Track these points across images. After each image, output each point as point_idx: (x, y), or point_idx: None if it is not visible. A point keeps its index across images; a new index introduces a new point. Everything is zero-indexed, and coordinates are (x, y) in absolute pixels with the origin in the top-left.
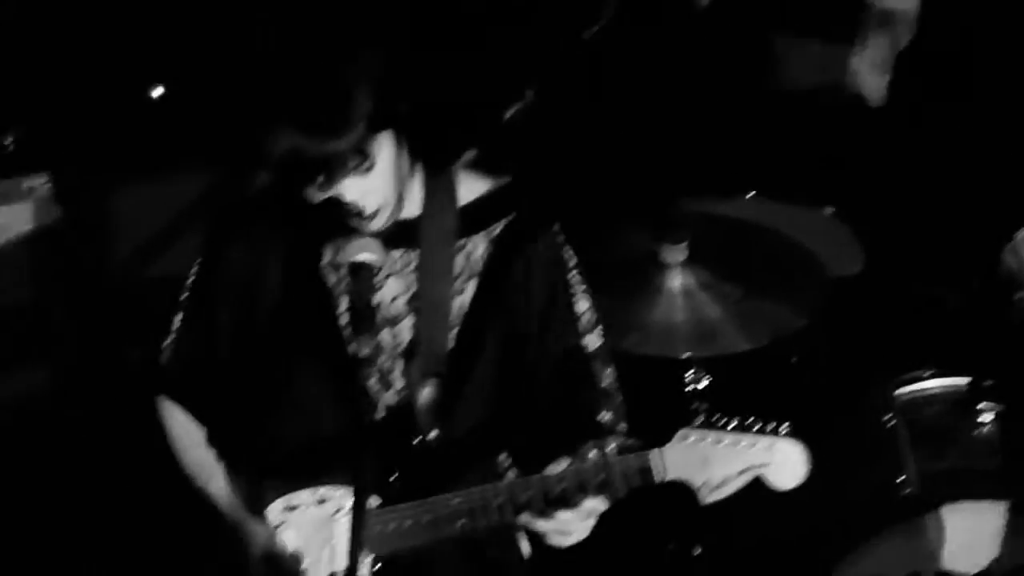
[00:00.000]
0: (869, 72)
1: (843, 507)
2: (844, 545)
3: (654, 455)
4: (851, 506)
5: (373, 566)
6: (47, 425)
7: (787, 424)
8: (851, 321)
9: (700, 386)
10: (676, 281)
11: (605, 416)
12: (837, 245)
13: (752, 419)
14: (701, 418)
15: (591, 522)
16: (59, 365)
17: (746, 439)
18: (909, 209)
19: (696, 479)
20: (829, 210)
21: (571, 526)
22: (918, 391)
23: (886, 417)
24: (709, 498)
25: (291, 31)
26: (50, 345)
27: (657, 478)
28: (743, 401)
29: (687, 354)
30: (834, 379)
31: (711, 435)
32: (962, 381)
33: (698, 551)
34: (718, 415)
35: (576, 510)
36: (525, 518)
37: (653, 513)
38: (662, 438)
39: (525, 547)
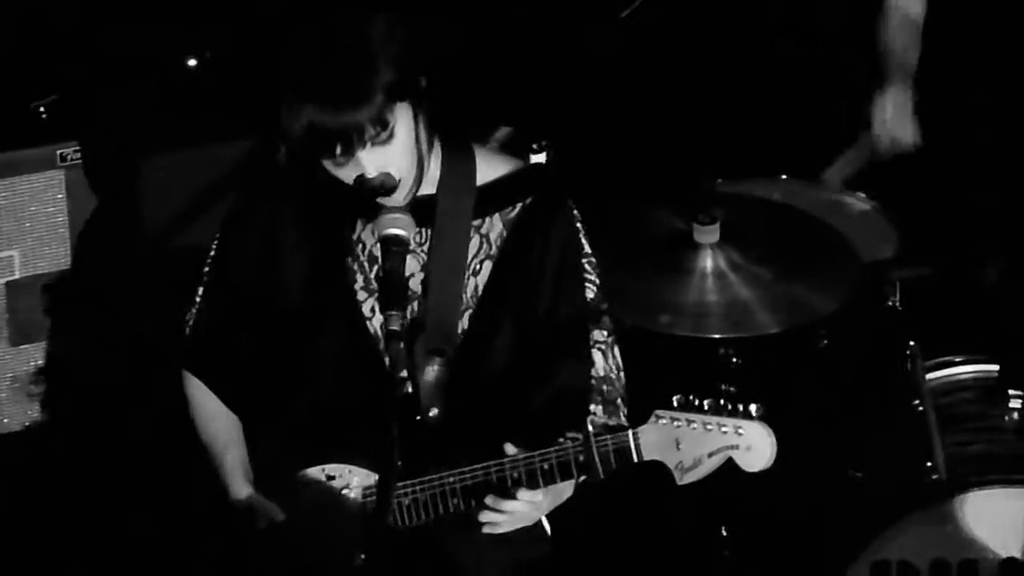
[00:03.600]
0: (897, 124)
1: (871, 491)
2: (871, 529)
3: (630, 436)
4: (878, 491)
5: (360, 558)
6: (72, 398)
7: (758, 406)
8: (881, 305)
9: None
10: (708, 262)
11: (595, 407)
12: (870, 229)
13: (724, 401)
14: (677, 399)
15: (544, 508)
16: (88, 335)
17: (716, 421)
18: (941, 193)
19: (670, 460)
20: (861, 194)
21: (533, 508)
22: (948, 376)
23: (915, 402)
24: (684, 479)
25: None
26: (80, 314)
27: (633, 459)
28: (771, 384)
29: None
30: (863, 363)
31: (684, 416)
32: (992, 367)
33: (724, 533)
34: (693, 396)
35: (546, 490)
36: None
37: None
38: (641, 419)
39: (546, 526)
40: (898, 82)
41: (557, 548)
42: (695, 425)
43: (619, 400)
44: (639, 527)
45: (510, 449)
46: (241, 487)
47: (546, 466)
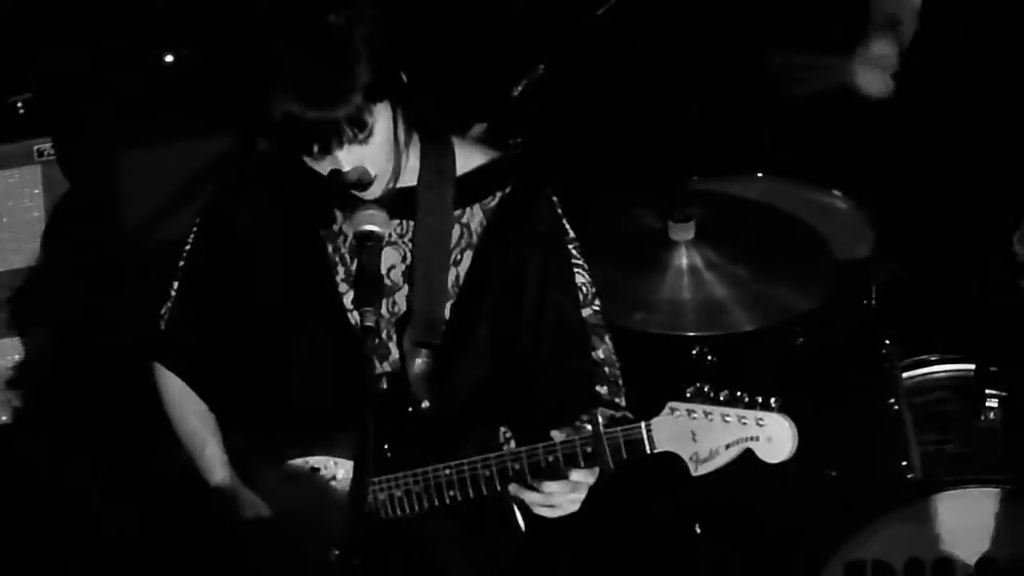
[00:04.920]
0: (871, 71)
1: (845, 490)
2: (846, 528)
3: (642, 427)
4: (853, 489)
5: (335, 552)
6: (48, 391)
7: (777, 399)
8: (858, 304)
9: (704, 365)
10: (683, 260)
11: (600, 388)
12: (846, 228)
13: (741, 392)
14: (691, 391)
15: (580, 496)
16: (63, 330)
17: (735, 412)
18: (918, 193)
19: (685, 451)
20: (838, 192)
21: (557, 498)
22: (923, 376)
23: (891, 401)
24: (698, 471)
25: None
26: (55, 308)
27: (646, 450)
28: (747, 382)
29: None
30: (839, 361)
31: (700, 408)
32: (968, 367)
33: (698, 531)
34: (708, 387)
35: (563, 482)
36: (513, 489)
37: (647, 488)
38: (652, 411)
39: (520, 522)
40: (883, 35)
41: (531, 541)
42: (712, 416)
43: (620, 380)
44: (614, 524)
45: (557, 435)
46: (224, 477)
47: (551, 458)
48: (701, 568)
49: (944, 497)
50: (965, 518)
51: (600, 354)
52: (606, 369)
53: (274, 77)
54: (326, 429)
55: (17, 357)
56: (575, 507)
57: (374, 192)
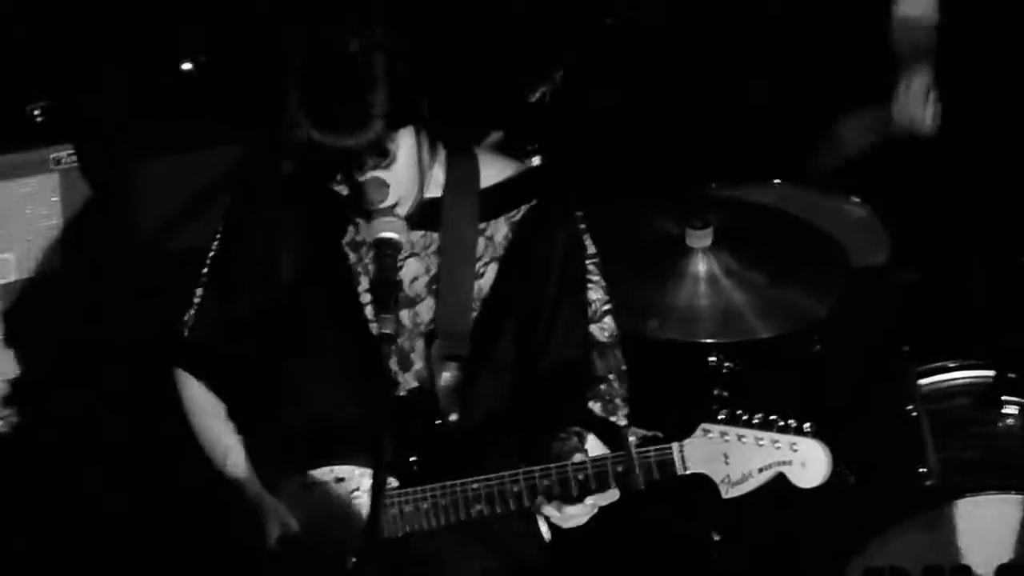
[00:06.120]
0: (916, 105)
1: (863, 497)
2: (864, 535)
3: (675, 448)
4: (871, 496)
5: (352, 560)
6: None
7: (811, 423)
8: (876, 310)
9: (722, 372)
10: (701, 266)
11: (594, 404)
12: (864, 234)
13: (775, 416)
14: (724, 413)
15: (595, 511)
16: (83, 339)
17: (768, 436)
18: (935, 199)
19: (716, 474)
20: (855, 199)
21: (578, 516)
22: (942, 382)
23: (909, 407)
24: (730, 493)
25: (309, 28)
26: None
27: (678, 471)
28: (764, 388)
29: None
30: (857, 368)
31: (733, 430)
32: (986, 373)
33: (716, 537)
34: (741, 411)
35: (579, 505)
36: (538, 502)
37: (673, 502)
38: (684, 431)
39: (546, 532)
40: (914, 66)
41: (555, 553)
42: (746, 439)
43: (619, 400)
44: (631, 531)
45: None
46: (247, 484)
47: (581, 476)
48: (718, 573)
49: (962, 504)
50: (983, 525)
51: (600, 371)
52: (602, 387)
53: (295, 106)
54: (350, 439)
55: (33, 365)
56: (585, 520)
57: (401, 213)
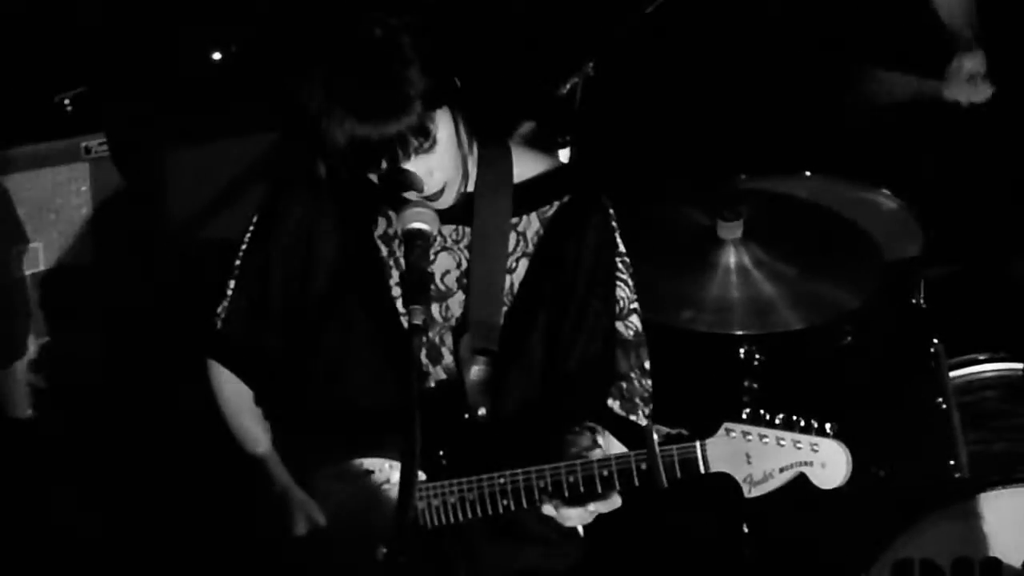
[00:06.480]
0: (966, 85)
1: (893, 489)
2: (893, 527)
3: (697, 447)
4: (901, 488)
5: (382, 551)
6: (99, 389)
7: (833, 424)
8: (906, 303)
9: (752, 364)
10: (731, 258)
11: (613, 402)
12: (896, 226)
13: (798, 417)
14: (747, 412)
15: (592, 517)
16: (114, 328)
17: (790, 436)
18: (967, 192)
19: (738, 473)
20: (887, 191)
21: (574, 520)
22: (972, 375)
23: (938, 400)
24: (752, 492)
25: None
26: (105, 307)
27: (700, 470)
28: (794, 381)
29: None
30: (887, 360)
31: (755, 430)
32: (1016, 366)
33: (745, 530)
34: (764, 410)
35: (580, 509)
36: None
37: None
38: (707, 430)
39: (580, 528)
40: (962, 48)
41: (589, 550)
42: (767, 439)
43: (638, 399)
44: (661, 525)
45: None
46: (277, 476)
47: (605, 472)
48: (747, 566)
49: (992, 496)
50: (1013, 517)
51: (623, 368)
52: (624, 384)
53: (330, 107)
54: (381, 431)
55: (62, 353)
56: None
57: (447, 201)
